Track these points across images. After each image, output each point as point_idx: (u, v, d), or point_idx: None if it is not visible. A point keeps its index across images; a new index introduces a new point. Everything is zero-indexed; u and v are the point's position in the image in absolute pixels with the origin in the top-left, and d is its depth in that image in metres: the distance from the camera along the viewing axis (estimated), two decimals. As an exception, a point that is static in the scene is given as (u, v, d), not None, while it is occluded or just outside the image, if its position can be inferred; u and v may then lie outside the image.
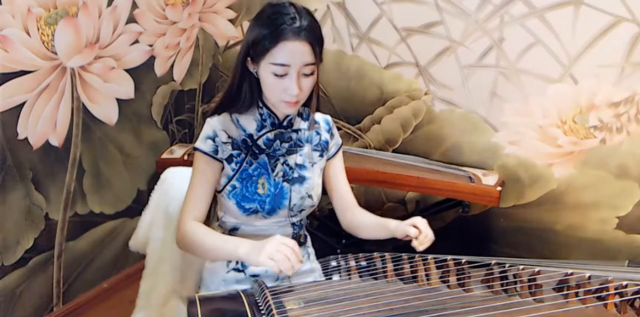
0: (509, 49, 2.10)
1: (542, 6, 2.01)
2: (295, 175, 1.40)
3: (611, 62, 1.97)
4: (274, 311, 1.10)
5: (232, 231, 1.43)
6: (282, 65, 1.24)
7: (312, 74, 1.28)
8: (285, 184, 1.39)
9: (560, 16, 1.99)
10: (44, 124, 1.90)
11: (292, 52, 1.24)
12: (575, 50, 2.00)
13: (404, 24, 2.24)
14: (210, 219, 1.48)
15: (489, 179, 2.11)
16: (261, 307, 1.14)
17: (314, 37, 1.26)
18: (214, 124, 1.36)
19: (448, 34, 2.18)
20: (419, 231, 1.30)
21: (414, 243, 1.29)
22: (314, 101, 1.39)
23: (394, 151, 2.39)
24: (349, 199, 1.53)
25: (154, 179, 1.74)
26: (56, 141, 1.96)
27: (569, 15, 1.98)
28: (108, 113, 2.14)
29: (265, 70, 1.27)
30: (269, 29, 1.24)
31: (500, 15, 2.07)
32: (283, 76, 1.26)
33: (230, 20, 2.57)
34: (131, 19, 2.14)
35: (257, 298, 1.18)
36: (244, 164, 1.36)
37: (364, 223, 1.49)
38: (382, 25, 2.27)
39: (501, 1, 2.05)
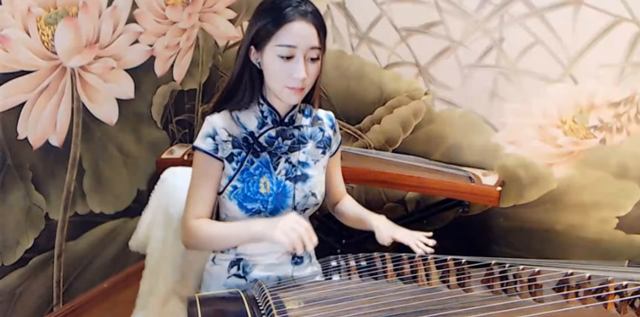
0: (509, 49, 2.10)
1: (542, 6, 2.00)
2: (299, 173, 1.38)
3: (611, 62, 1.97)
4: (274, 311, 1.10)
5: None
6: (289, 46, 1.24)
7: (317, 59, 1.27)
8: (288, 182, 1.36)
9: (560, 16, 1.99)
10: (44, 124, 1.90)
11: (298, 33, 1.23)
12: (575, 50, 2.00)
13: (404, 24, 2.24)
14: None
15: (489, 179, 2.11)
16: (261, 307, 1.14)
17: (319, 21, 1.26)
18: (214, 122, 1.33)
19: (448, 34, 2.18)
20: (405, 243, 1.33)
21: (417, 251, 1.31)
22: (315, 96, 1.38)
23: (394, 151, 2.39)
24: (341, 191, 1.56)
25: (154, 179, 1.74)
26: (56, 141, 1.96)
27: (569, 15, 1.98)
28: (108, 113, 2.14)
29: (270, 55, 1.26)
30: (274, 13, 1.24)
31: (500, 15, 2.07)
32: (289, 59, 1.24)
33: (230, 20, 2.57)
34: (131, 19, 2.14)
35: (257, 298, 1.18)
36: (245, 163, 1.34)
37: (346, 213, 1.53)
38: (382, 25, 2.27)
39: (501, 1, 2.05)
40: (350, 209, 1.52)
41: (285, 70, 1.25)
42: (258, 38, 1.27)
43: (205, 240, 1.31)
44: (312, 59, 1.27)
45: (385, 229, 1.38)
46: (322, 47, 1.28)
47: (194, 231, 1.31)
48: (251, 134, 1.36)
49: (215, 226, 1.32)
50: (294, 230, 1.16)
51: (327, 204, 1.57)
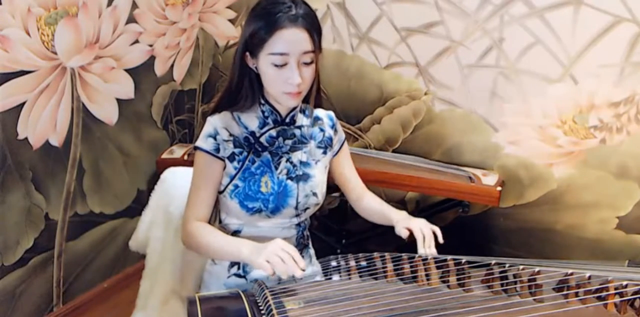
0: (509, 49, 2.10)
1: (542, 6, 2.00)
2: (300, 172, 1.39)
3: (611, 62, 1.97)
4: (274, 311, 1.10)
5: (235, 234, 1.41)
6: (281, 54, 1.23)
7: (312, 62, 1.27)
8: (289, 182, 1.37)
9: (560, 16, 1.99)
10: (44, 124, 1.90)
11: (289, 40, 1.22)
12: (575, 50, 2.00)
13: (404, 24, 2.24)
14: (212, 221, 1.47)
15: (489, 179, 2.11)
16: (261, 307, 1.14)
17: (311, 24, 1.25)
18: (215, 122, 1.34)
19: (448, 34, 2.18)
20: (410, 233, 1.33)
21: (420, 251, 1.30)
22: (312, 96, 1.38)
23: (394, 151, 2.39)
24: (360, 190, 1.56)
25: (154, 179, 1.74)
26: (56, 141, 1.96)
27: (569, 15, 1.98)
28: (108, 113, 2.14)
29: (264, 62, 1.26)
30: (265, 19, 1.23)
31: (500, 15, 2.07)
32: (283, 66, 1.24)
33: (230, 20, 2.57)
34: (131, 19, 2.14)
35: (257, 298, 1.18)
36: (247, 162, 1.35)
37: (370, 210, 1.53)
38: (382, 25, 2.27)
39: (501, 1, 2.05)
40: (373, 206, 1.53)
41: (280, 77, 1.26)
42: (251, 45, 1.27)
43: (201, 246, 1.31)
44: (306, 63, 1.26)
45: (402, 221, 1.38)
46: (316, 49, 1.27)
47: (193, 234, 1.32)
48: (252, 133, 1.36)
49: (212, 235, 1.31)
50: (277, 255, 1.15)
51: (349, 202, 1.58)
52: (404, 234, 1.35)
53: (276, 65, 1.24)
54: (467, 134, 2.26)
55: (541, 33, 2.03)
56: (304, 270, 1.17)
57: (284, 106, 1.36)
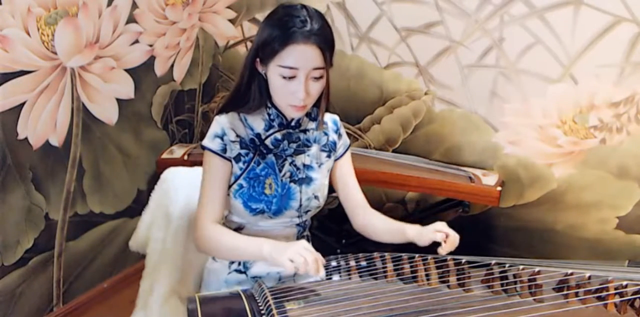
0: (509, 49, 2.10)
1: (542, 6, 2.01)
2: (303, 176, 1.40)
3: (611, 62, 1.97)
4: (274, 311, 1.10)
5: (237, 230, 1.42)
6: (290, 68, 1.24)
7: (320, 77, 1.27)
8: (292, 184, 1.38)
9: (560, 16, 1.99)
10: (44, 124, 1.90)
11: (300, 55, 1.23)
12: (575, 50, 2.00)
13: (404, 24, 2.24)
14: None
15: (489, 179, 2.11)
16: (261, 307, 1.14)
17: (324, 41, 1.25)
18: (223, 122, 1.35)
19: (448, 34, 2.18)
20: (446, 235, 1.31)
21: (440, 250, 1.29)
22: (323, 103, 1.37)
23: (394, 151, 2.39)
24: (359, 199, 1.51)
25: (154, 179, 1.74)
26: (56, 141, 1.96)
27: (569, 15, 1.98)
28: (108, 113, 2.14)
29: (273, 73, 1.26)
30: (279, 31, 1.23)
31: (500, 15, 2.07)
32: (291, 79, 1.25)
33: (230, 20, 2.57)
34: (131, 19, 2.14)
35: (257, 298, 1.18)
36: (252, 163, 1.36)
37: (377, 228, 1.47)
38: (382, 25, 2.27)
39: (501, 1, 2.05)
40: (382, 222, 1.46)
41: (286, 89, 1.26)
42: (262, 53, 1.27)
43: (220, 250, 1.33)
44: (315, 78, 1.26)
45: (428, 228, 1.34)
46: (327, 65, 1.27)
47: (211, 237, 1.32)
48: (258, 135, 1.37)
49: (231, 236, 1.32)
50: (301, 255, 1.15)
51: (350, 218, 1.52)
52: (440, 236, 1.30)
53: (284, 77, 1.25)
54: (467, 134, 2.26)
55: (541, 33, 2.03)
56: (323, 275, 1.18)
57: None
